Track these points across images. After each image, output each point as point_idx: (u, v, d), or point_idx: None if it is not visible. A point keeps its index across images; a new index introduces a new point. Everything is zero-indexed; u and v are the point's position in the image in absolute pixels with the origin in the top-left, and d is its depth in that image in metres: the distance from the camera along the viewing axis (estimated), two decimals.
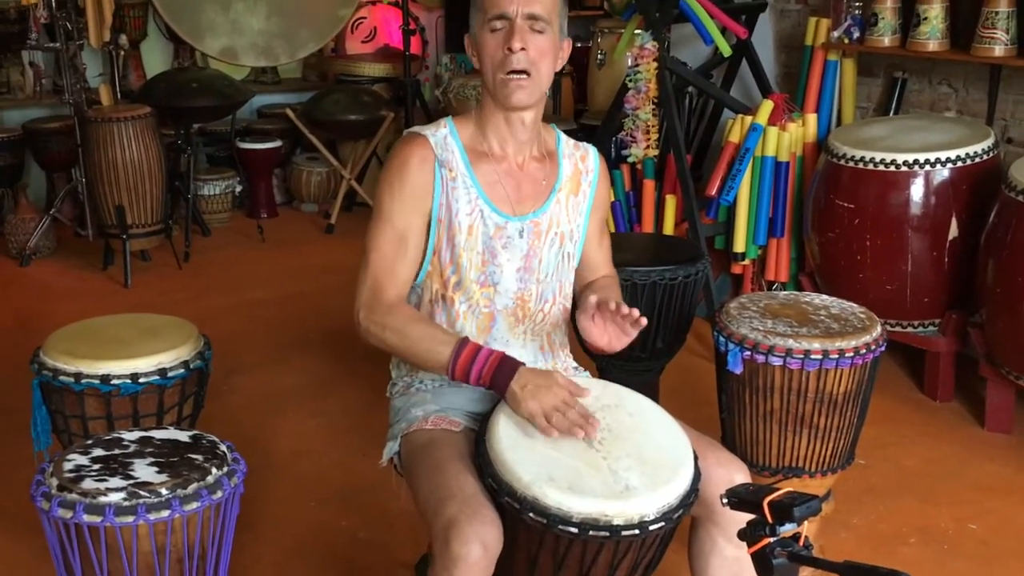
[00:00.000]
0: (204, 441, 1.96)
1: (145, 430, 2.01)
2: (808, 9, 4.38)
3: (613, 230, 4.15)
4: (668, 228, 4.21)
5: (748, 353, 2.44)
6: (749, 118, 3.94)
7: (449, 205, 1.96)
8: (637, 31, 4.13)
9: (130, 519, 1.72)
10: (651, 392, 2.70)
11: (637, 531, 1.63)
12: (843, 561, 1.34)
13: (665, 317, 2.90)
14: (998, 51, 3.43)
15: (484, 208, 1.97)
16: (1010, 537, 2.75)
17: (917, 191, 3.34)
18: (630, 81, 4.10)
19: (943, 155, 3.32)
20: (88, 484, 1.77)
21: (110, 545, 1.75)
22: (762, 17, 4.49)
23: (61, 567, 1.82)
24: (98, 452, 1.89)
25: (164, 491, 1.76)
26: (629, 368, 2.95)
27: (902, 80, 4.00)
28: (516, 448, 1.73)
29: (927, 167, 3.32)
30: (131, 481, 1.78)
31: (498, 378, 1.82)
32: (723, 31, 4.18)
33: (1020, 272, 2.98)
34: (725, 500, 1.54)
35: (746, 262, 4.08)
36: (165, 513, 1.74)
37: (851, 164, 3.44)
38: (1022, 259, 2.98)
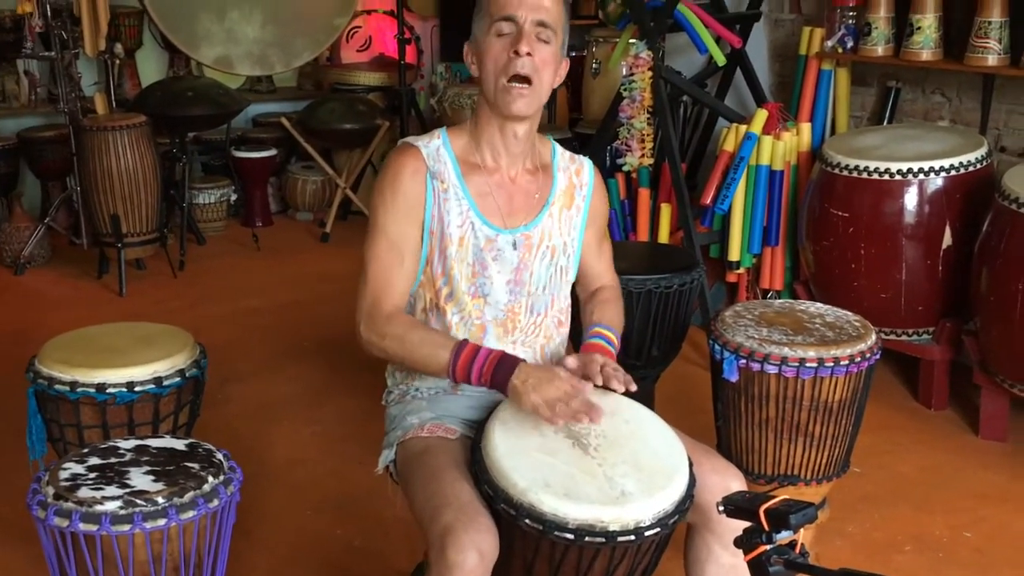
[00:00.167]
0: (200, 449, 1.96)
1: (141, 438, 2.01)
2: (802, 19, 4.40)
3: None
4: (663, 236, 4.22)
5: (743, 361, 2.44)
6: (744, 127, 3.96)
7: (441, 216, 1.96)
8: (632, 40, 4.14)
9: (126, 528, 1.72)
10: (647, 400, 2.70)
11: (633, 537, 1.64)
12: (839, 569, 1.35)
13: (661, 325, 2.90)
14: (991, 60, 3.44)
15: (475, 220, 1.97)
16: (1005, 545, 2.76)
17: (911, 200, 3.36)
18: (625, 90, 4.11)
19: (937, 164, 3.34)
20: (84, 493, 1.77)
21: (106, 554, 1.74)
22: (756, 27, 4.50)
23: None
24: (94, 460, 1.89)
25: (160, 500, 1.76)
26: None
27: (896, 89, 4.01)
28: (512, 455, 1.74)
29: (921, 176, 3.34)
30: (127, 490, 1.78)
31: (499, 375, 1.81)
32: (717, 40, 4.19)
33: (1014, 280, 2.99)
34: (721, 507, 1.54)
35: (741, 270, 4.09)
36: (161, 522, 1.74)
37: (845, 173, 3.45)
38: (1016, 267, 2.99)
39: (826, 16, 4.01)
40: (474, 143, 2.01)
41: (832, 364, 2.39)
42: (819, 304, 2.70)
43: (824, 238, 3.56)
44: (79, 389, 2.31)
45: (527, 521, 1.64)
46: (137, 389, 2.33)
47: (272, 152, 5.84)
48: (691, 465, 1.79)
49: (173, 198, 5.17)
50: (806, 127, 3.99)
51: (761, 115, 3.94)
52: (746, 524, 1.49)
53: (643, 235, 4.30)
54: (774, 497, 1.47)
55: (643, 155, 4.17)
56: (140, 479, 1.82)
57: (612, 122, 4.24)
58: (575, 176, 2.09)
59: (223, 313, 4.44)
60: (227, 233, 5.72)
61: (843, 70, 4.08)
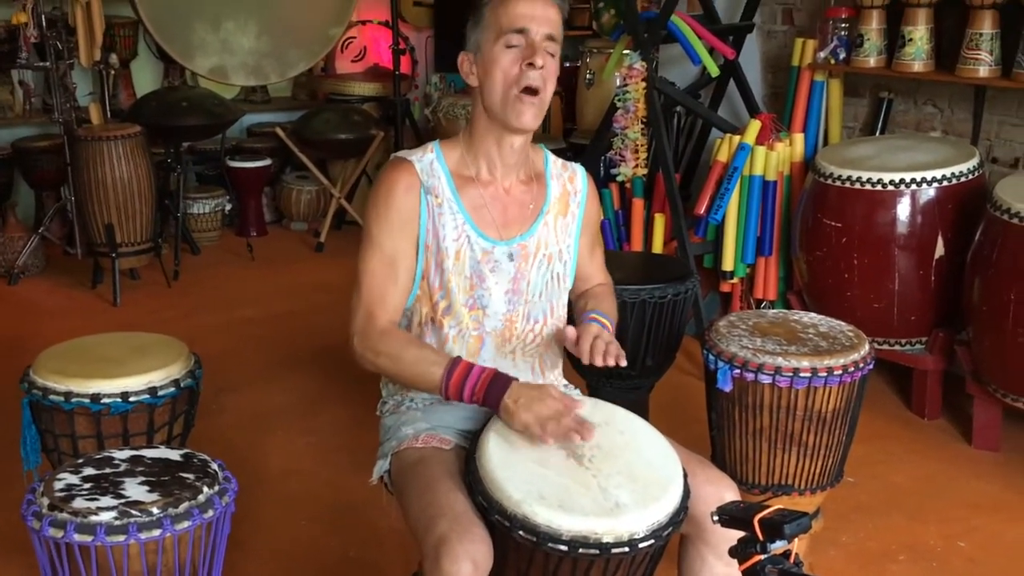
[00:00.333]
0: (195, 460, 1.96)
1: (136, 449, 2.01)
2: (794, 30, 4.42)
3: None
4: (657, 247, 4.23)
5: (737, 371, 2.45)
6: (737, 137, 3.97)
7: (436, 231, 1.97)
8: (625, 51, 4.16)
9: (121, 538, 1.72)
10: (641, 410, 2.70)
11: (627, 549, 1.64)
12: None
13: (655, 335, 2.91)
14: (982, 72, 3.47)
15: (471, 233, 1.98)
16: (998, 554, 2.77)
17: (903, 210, 3.37)
18: (619, 101, 4.13)
19: (929, 175, 3.36)
20: (79, 503, 1.76)
21: (101, 564, 1.74)
22: (749, 38, 4.52)
23: None
24: (89, 471, 1.89)
25: (155, 510, 1.76)
26: (619, 386, 2.97)
27: (888, 100, 4.03)
28: (506, 466, 1.74)
29: (913, 186, 3.35)
30: (122, 500, 1.78)
31: (491, 394, 1.83)
32: (711, 51, 4.21)
33: (1006, 290, 3.01)
34: (716, 517, 1.55)
35: (735, 280, 4.10)
36: (156, 532, 1.74)
37: (838, 183, 3.46)
38: (1007, 278, 3.01)
39: (818, 28, 4.04)
40: (469, 155, 2.01)
41: (826, 374, 2.40)
42: (812, 314, 2.71)
43: (817, 248, 3.57)
44: (74, 399, 2.30)
45: (521, 532, 1.65)
46: (132, 399, 2.32)
47: (267, 162, 5.85)
48: (685, 476, 1.80)
49: (167, 208, 5.18)
50: (799, 138, 4.01)
51: (754, 126, 3.95)
52: (740, 534, 1.50)
53: (637, 245, 4.31)
54: (768, 507, 1.47)
55: (637, 165, 4.18)
56: (135, 489, 1.82)
57: (606, 132, 4.26)
58: (568, 183, 2.10)
59: (217, 323, 4.44)
60: (221, 243, 5.73)
61: (836, 81, 4.10)
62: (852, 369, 2.43)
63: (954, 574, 2.68)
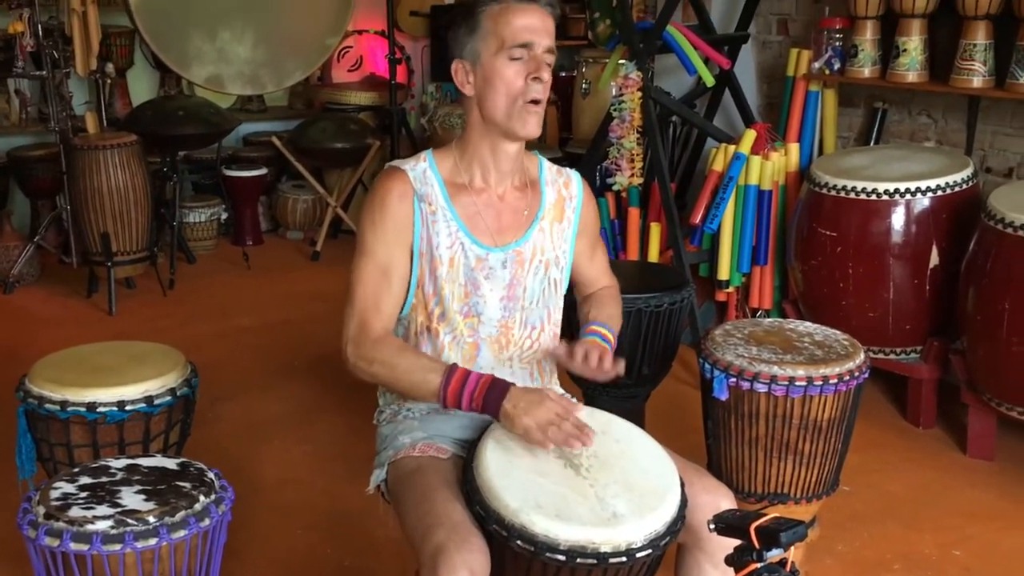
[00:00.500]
0: (192, 469, 1.96)
1: (132, 458, 2.01)
2: (789, 41, 4.44)
3: None
4: (653, 256, 4.24)
5: (733, 380, 2.46)
6: (732, 147, 3.99)
7: (430, 239, 1.97)
8: (621, 61, 4.17)
9: (117, 547, 1.72)
10: (637, 419, 2.71)
11: (624, 558, 1.64)
12: None
13: (651, 344, 2.91)
14: (976, 82, 3.48)
15: (464, 240, 1.98)
16: (993, 563, 2.77)
17: (898, 220, 3.38)
18: (615, 110, 4.14)
19: (923, 184, 3.37)
20: (75, 512, 1.76)
21: (97, 573, 1.74)
22: (744, 48, 4.54)
23: None
24: (85, 480, 1.89)
25: (152, 519, 1.76)
26: (615, 395, 2.97)
27: (882, 110, 4.05)
28: (504, 475, 1.74)
29: (908, 196, 3.37)
30: (118, 509, 1.78)
31: (490, 400, 1.82)
32: (706, 62, 4.23)
33: (1000, 300, 3.02)
34: (712, 526, 1.55)
35: (730, 289, 4.11)
36: (153, 541, 1.74)
37: (833, 193, 3.48)
38: (1002, 287, 3.02)
39: (813, 38, 4.05)
40: (462, 163, 2.02)
41: (821, 383, 2.41)
42: (808, 323, 2.72)
43: (812, 257, 3.58)
44: (69, 408, 2.30)
45: (519, 542, 1.65)
46: (128, 408, 2.32)
47: (263, 171, 5.85)
48: (683, 485, 1.80)
49: (163, 217, 5.18)
50: (794, 147, 4.03)
51: (749, 135, 3.97)
52: (737, 542, 1.50)
53: (633, 254, 4.32)
54: (764, 515, 1.48)
55: (633, 175, 4.19)
56: (131, 498, 1.82)
57: (602, 142, 4.27)
58: (564, 189, 2.11)
59: (213, 332, 4.44)
60: (217, 252, 5.73)
61: (830, 91, 4.12)
62: (847, 378, 2.44)
63: None
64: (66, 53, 4.86)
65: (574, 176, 2.15)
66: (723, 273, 4.05)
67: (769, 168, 3.94)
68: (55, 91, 4.81)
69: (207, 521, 1.82)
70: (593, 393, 2.98)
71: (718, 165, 4.02)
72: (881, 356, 3.51)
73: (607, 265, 2.24)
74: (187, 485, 1.88)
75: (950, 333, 3.45)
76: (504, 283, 2.01)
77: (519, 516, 1.66)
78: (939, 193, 3.37)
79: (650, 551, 1.66)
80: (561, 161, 4.92)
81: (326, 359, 4.01)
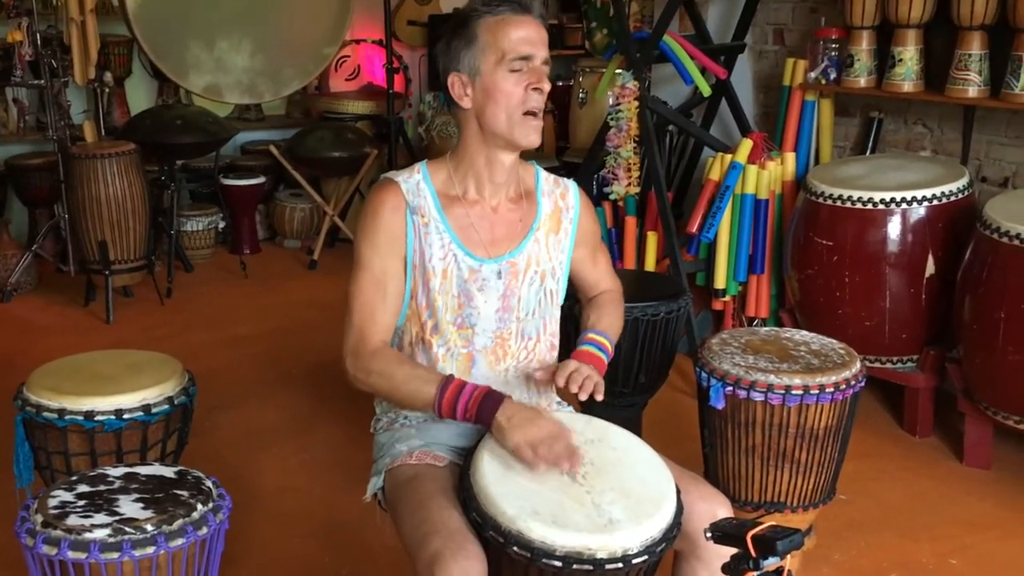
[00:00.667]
0: (189, 477, 1.96)
1: (130, 466, 2.01)
2: (785, 50, 4.46)
3: None
4: (650, 264, 4.25)
5: (730, 388, 2.46)
6: (729, 156, 4.00)
7: (422, 250, 1.98)
8: (618, 71, 4.19)
9: (115, 555, 1.72)
10: (634, 427, 2.72)
11: (620, 565, 1.64)
12: None
13: (647, 353, 2.92)
14: (971, 92, 3.50)
15: (457, 252, 1.99)
16: (990, 572, 2.77)
17: (894, 229, 3.40)
18: (612, 120, 4.15)
19: (919, 194, 3.38)
20: (73, 520, 1.76)
21: None
22: (741, 58, 4.56)
23: None
24: (83, 488, 1.89)
25: (149, 527, 1.76)
26: (612, 403, 2.97)
27: (878, 120, 4.06)
28: (500, 482, 1.75)
29: (904, 205, 3.38)
30: (116, 517, 1.78)
31: (483, 411, 1.84)
32: (703, 71, 4.24)
33: (996, 309, 3.03)
34: (709, 534, 1.56)
35: (727, 298, 4.11)
36: (150, 549, 1.74)
37: (829, 202, 3.49)
38: (997, 296, 3.03)
39: (809, 48, 4.07)
40: (456, 175, 2.02)
41: (817, 391, 2.41)
42: (804, 332, 2.73)
43: (809, 266, 3.59)
44: (67, 416, 2.30)
45: (515, 549, 1.65)
46: (126, 416, 2.32)
47: (260, 180, 5.86)
48: (679, 492, 1.81)
49: (161, 225, 5.18)
50: (790, 157, 4.04)
51: (746, 145, 3.98)
52: (733, 550, 1.50)
53: (630, 263, 4.33)
54: (761, 524, 1.48)
55: (630, 184, 4.20)
56: (129, 507, 1.82)
57: (599, 151, 4.28)
58: (560, 200, 2.11)
59: (211, 340, 4.44)
60: (215, 260, 5.73)
61: (826, 101, 4.13)
62: (844, 386, 2.44)
63: None
64: (64, 62, 4.86)
65: (571, 186, 2.15)
66: (720, 282, 4.06)
67: (765, 177, 3.95)
68: (53, 100, 4.82)
69: (205, 529, 1.82)
70: (590, 402, 2.98)
71: (715, 174, 4.04)
72: (877, 365, 3.52)
73: (610, 268, 2.25)
74: (185, 493, 1.88)
75: (946, 342, 3.46)
76: (499, 294, 2.02)
77: (516, 523, 1.66)
78: (935, 202, 3.38)
79: (646, 558, 1.67)
80: (558, 170, 4.92)
81: (323, 367, 4.02)
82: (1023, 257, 2.96)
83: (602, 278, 2.23)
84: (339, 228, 5.78)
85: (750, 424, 2.47)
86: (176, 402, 2.42)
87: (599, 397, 1.92)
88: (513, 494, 1.72)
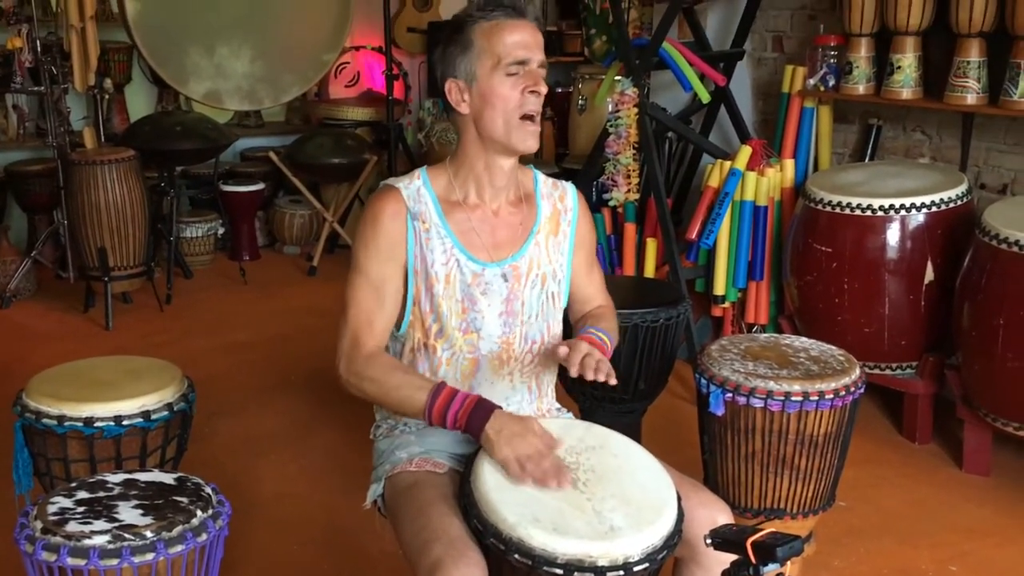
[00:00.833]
0: (189, 483, 1.96)
1: (130, 472, 2.01)
2: (784, 57, 4.46)
3: None
4: (649, 271, 4.25)
5: (729, 395, 2.46)
6: (728, 163, 4.00)
7: (424, 256, 1.98)
8: (617, 77, 4.20)
9: (115, 562, 1.72)
10: (633, 434, 2.72)
11: (622, 572, 1.64)
12: None
13: (647, 359, 2.92)
14: (970, 99, 3.50)
15: (460, 257, 1.99)
16: None
17: (893, 236, 3.40)
18: (611, 126, 4.16)
19: (918, 200, 3.39)
20: (72, 527, 1.76)
21: None
22: (740, 65, 4.57)
23: None
24: (82, 495, 1.89)
25: (149, 533, 1.76)
26: (612, 410, 2.97)
27: (877, 127, 4.07)
28: (501, 489, 1.74)
29: (903, 212, 3.38)
30: (116, 524, 1.78)
31: (473, 421, 1.83)
32: (702, 78, 4.25)
33: (995, 316, 3.03)
34: (709, 540, 1.56)
35: (726, 305, 4.12)
36: (150, 556, 1.74)
37: (828, 209, 3.49)
38: (996, 303, 3.03)
39: (808, 55, 4.08)
40: (456, 180, 2.03)
41: (817, 398, 2.41)
42: (804, 338, 2.73)
43: (808, 273, 3.59)
44: (67, 423, 2.30)
45: (516, 556, 1.65)
46: (125, 423, 2.32)
47: (260, 186, 5.87)
48: (679, 499, 1.81)
49: (160, 232, 5.19)
50: (789, 163, 4.05)
51: (745, 151, 3.99)
52: (733, 557, 1.50)
53: (629, 269, 4.33)
54: (761, 530, 1.48)
55: (629, 190, 4.21)
56: (128, 513, 1.82)
57: (598, 157, 4.28)
58: (559, 202, 2.11)
59: (210, 347, 4.44)
60: (214, 267, 5.73)
61: (825, 108, 4.14)
62: (843, 393, 2.44)
63: None
64: (64, 69, 4.87)
65: (569, 189, 2.15)
66: (719, 288, 4.07)
67: (765, 184, 3.95)
68: (53, 106, 4.82)
69: (204, 536, 1.82)
70: (590, 408, 2.99)
71: (714, 181, 4.04)
72: (877, 371, 3.52)
73: (603, 284, 2.23)
74: (184, 500, 1.88)
75: (946, 348, 3.46)
76: (502, 298, 2.02)
77: (517, 530, 1.66)
78: (934, 209, 3.38)
79: (647, 565, 1.66)
80: (558, 176, 4.94)
81: (323, 374, 4.01)
82: (1022, 264, 2.97)
83: (595, 294, 2.19)
84: (339, 234, 5.78)
85: (750, 430, 2.47)
86: (175, 408, 2.42)
87: (612, 381, 1.87)
88: (514, 501, 1.72)
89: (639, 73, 4.11)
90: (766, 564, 1.45)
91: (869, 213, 3.41)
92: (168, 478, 1.98)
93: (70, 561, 1.71)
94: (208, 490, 1.94)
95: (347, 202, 5.82)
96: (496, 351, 2.03)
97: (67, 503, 1.85)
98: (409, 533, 1.81)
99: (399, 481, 1.95)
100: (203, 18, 5.28)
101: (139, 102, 6.15)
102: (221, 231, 5.81)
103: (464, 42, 1.94)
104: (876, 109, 4.06)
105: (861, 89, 3.86)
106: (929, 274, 3.40)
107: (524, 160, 2.08)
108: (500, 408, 1.85)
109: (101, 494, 1.89)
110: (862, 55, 3.83)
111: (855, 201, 3.44)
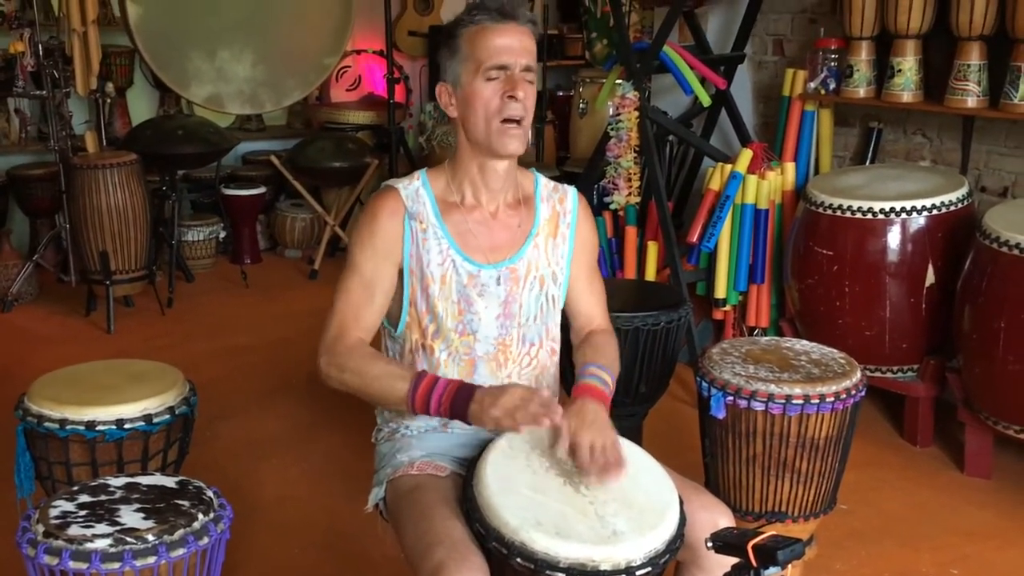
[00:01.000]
0: (191, 487, 1.96)
1: (131, 476, 2.01)
2: (785, 61, 4.47)
3: None
4: (650, 274, 4.25)
5: (730, 398, 2.46)
6: (729, 166, 4.01)
7: (420, 256, 1.98)
8: (618, 81, 4.20)
9: (116, 566, 1.72)
10: (635, 437, 2.72)
11: None
12: None
13: (648, 363, 2.92)
14: (970, 102, 3.51)
15: (456, 258, 1.99)
16: None
17: (894, 239, 3.40)
18: (612, 130, 4.16)
19: (919, 203, 3.39)
20: (74, 530, 1.77)
21: None
22: (740, 68, 4.57)
23: None
24: (84, 498, 1.89)
25: (151, 537, 1.76)
26: (613, 413, 2.95)
27: (878, 130, 4.07)
28: (504, 493, 1.75)
29: (903, 215, 3.39)
30: (117, 527, 1.78)
31: (457, 404, 1.82)
32: (702, 82, 4.26)
33: (995, 318, 3.03)
34: (710, 544, 1.56)
35: (727, 308, 4.12)
36: (151, 559, 1.74)
37: (829, 212, 3.49)
38: (997, 306, 3.03)
39: (808, 58, 4.08)
40: (454, 182, 2.03)
41: (818, 401, 2.42)
42: (805, 341, 2.73)
43: (809, 276, 3.59)
44: (69, 426, 2.30)
45: (519, 560, 1.65)
46: (127, 426, 2.32)
47: (261, 190, 5.87)
48: (681, 503, 1.81)
49: (162, 235, 5.19)
50: (790, 167, 4.05)
51: (746, 155, 3.99)
52: (734, 560, 1.50)
53: (630, 273, 4.33)
54: (762, 533, 1.48)
55: (630, 194, 4.21)
56: (130, 517, 1.82)
57: (599, 161, 4.29)
58: (559, 204, 2.11)
59: (211, 350, 4.44)
60: (216, 270, 5.73)
61: (826, 111, 4.14)
62: (844, 396, 2.44)
63: None
64: (66, 73, 4.88)
65: (570, 191, 2.14)
66: (720, 291, 4.07)
67: (765, 187, 3.96)
68: (55, 110, 4.83)
69: (206, 539, 1.82)
70: None
71: (715, 184, 4.04)
72: (878, 374, 3.52)
73: (604, 302, 2.18)
74: (186, 503, 1.88)
75: (946, 351, 3.46)
76: (499, 300, 2.02)
77: (519, 534, 1.66)
78: (934, 212, 3.39)
79: (649, 569, 1.67)
80: (559, 179, 4.94)
81: None
82: (1023, 267, 2.97)
83: (596, 315, 2.15)
84: (340, 238, 5.78)
85: (751, 434, 2.47)
86: (177, 412, 2.42)
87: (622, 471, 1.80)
88: (516, 505, 1.72)
89: (640, 76, 4.11)
90: (767, 567, 1.45)
91: (870, 216, 3.41)
92: (170, 481, 1.98)
93: (72, 565, 1.72)
94: (210, 493, 1.94)
95: (348, 206, 5.83)
96: (492, 353, 2.03)
97: (69, 507, 1.86)
98: (411, 537, 1.81)
99: (401, 485, 1.95)
100: (205, 22, 5.29)
101: (141, 106, 6.15)
102: (223, 235, 5.82)
103: (453, 47, 1.96)
104: (877, 112, 4.06)
105: (862, 92, 3.86)
106: (930, 277, 3.41)
107: (526, 163, 2.08)
108: (480, 387, 1.84)
109: (103, 498, 1.90)
110: (862, 58, 3.83)
111: (856, 204, 3.44)
